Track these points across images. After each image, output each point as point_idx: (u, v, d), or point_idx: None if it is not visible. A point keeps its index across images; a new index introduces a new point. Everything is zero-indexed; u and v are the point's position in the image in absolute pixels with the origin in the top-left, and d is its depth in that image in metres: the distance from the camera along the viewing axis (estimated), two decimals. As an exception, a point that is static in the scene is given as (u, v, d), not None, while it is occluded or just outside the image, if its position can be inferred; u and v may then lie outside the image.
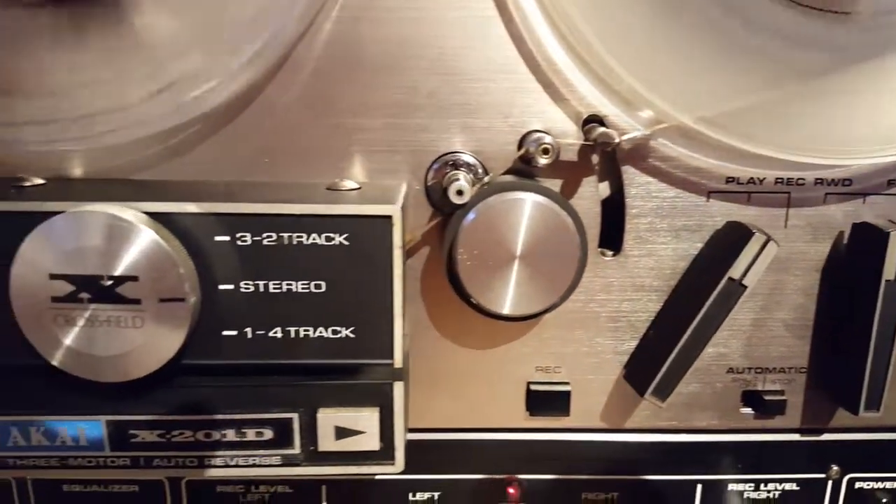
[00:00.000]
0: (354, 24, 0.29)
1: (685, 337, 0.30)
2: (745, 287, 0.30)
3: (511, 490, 0.35)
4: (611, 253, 0.32)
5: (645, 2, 0.28)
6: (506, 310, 0.28)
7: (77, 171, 0.31)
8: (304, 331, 0.27)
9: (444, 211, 0.31)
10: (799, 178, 0.32)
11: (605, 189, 0.32)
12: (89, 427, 0.28)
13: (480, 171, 0.31)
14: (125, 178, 0.30)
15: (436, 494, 0.35)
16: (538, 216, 0.28)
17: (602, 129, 0.29)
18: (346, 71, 0.30)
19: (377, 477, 0.35)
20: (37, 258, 0.24)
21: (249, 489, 0.35)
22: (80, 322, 0.25)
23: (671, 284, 0.33)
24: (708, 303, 0.30)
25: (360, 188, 0.29)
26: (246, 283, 0.27)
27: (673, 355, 0.31)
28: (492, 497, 0.35)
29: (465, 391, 0.34)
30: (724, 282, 0.30)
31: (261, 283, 0.27)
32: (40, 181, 0.29)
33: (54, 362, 0.25)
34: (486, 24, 0.29)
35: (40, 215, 0.25)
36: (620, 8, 0.28)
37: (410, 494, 0.35)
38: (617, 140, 0.28)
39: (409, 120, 0.30)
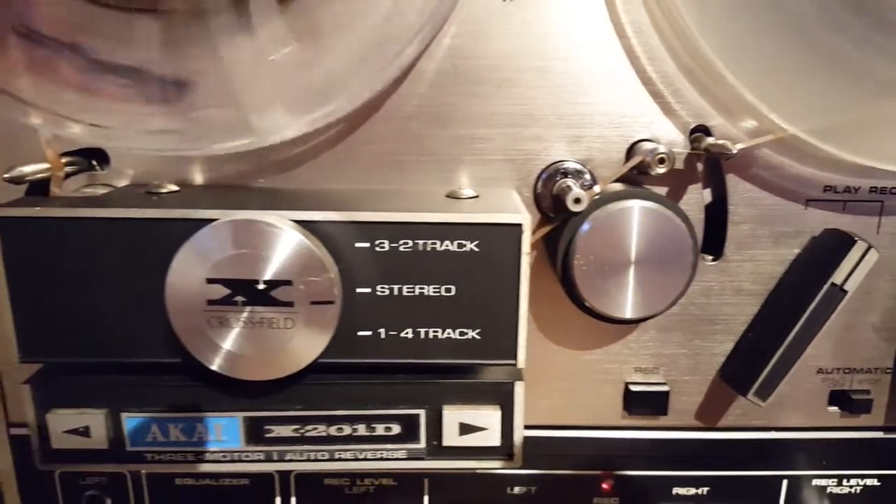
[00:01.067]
0: (472, 39, 0.31)
1: (788, 339, 0.32)
2: (846, 292, 0.31)
3: (605, 485, 0.37)
4: (711, 258, 0.33)
5: (760, 22, 0.29)
6: (623, 314, 0.30)
7: (198, 178, 0.32)
8: (434, 332, 0.28)
9: (553, 217, 0.32)
10: (892, 187, 0.33)
11: (707, 196, 0.33)
12: (227, 423, 0.29)
13: (589, 178, 0.32)
14: (246, 184, 0.32)
15: (533, 489, 0.36)
16: (653, 223, 0.29)
17: (717, 140, 0.30)
18: (463, 83, 0.31)
19: (477, 471, 0.36)
20: (194, 263, 0.26)
21: (354, 482, 0.36)
22: (235, 324, 0.26)
23: (768, 289, 0.34)
24: (811, 307, 0.31)
25: (478, 196, 0.30)
26: (382, 287, 0.28)
27: (776, 357, 0.32)
28: (586, 491, 0.37)
29: (565, 390, 0.35)
30: (826, 287, 0.31)
31: (395, 286, 0.28)
32: (174, 187, 0.30)
33: (205, 361, 0.27)
34: (600, 39, 0.31)
35: (193, 222, 0.26)
36: (737, 26, 0.29)
37: (509, 488, 0.36)
38: (734, 151, 0.29)
39: (521, 130, 0.32)
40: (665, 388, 0.34)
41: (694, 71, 0.31)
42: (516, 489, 0.36)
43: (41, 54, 0.30)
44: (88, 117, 0.30)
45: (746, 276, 0.34)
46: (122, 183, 0.32)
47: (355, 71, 0.29)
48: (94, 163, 0.31)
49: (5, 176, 0.27)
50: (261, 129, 0.29)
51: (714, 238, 0.33)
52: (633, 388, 0.34)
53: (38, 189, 0.30)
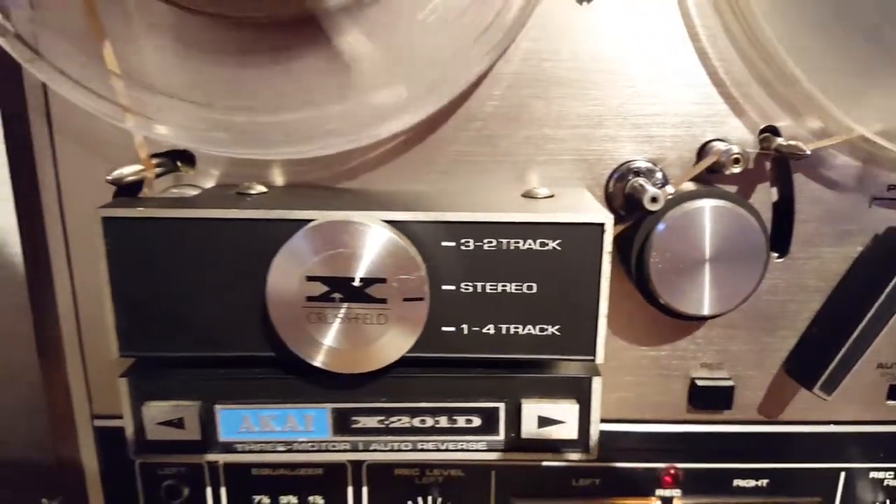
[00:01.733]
0: (548, 42, 0.31)
1: (854, 335, 0.32)
2: (914, 290, 0.32)
3: (667, 477, 0.37)
4: (777, 255, 0.34)
5: (830, 24, 0.30)
6: (700, 311, 0.30)
7: (279, 180, 0.33)
8: (515, 328, 0.29)
9: (624, 216, 0.33)
10: (956, 186, 0.34)
11: (774, 194, 0.34)
12: (316, 414, 0.30)
13: (660, 177, 0.33)
14: (328, 185, 0.33)
15: (597, 480, 0.37)
16: (728, 221, 0.30)
17: (789, 141, 0.31)
18: (538, 86, 0.32)
19: (543, 463, 0.37)
20: (294, 261, 0.27)
21: (424, 472, 0.37)
22: (332, 320, 0.27)
23: (832, 285, 0.34)
24: (877, 303, 0.32)
25: (553, 195, 0.31)
26: (466, 284, 0.29)
27: (842, 352, 0.33)
28: (648, 483, 0.38)
29: (632, 385, 0.36)
30: (893, 284, 0.32)
31: (479, 283, 0.29)
32: (263, 188, 0.31)
33: (302, 355, 0.28)
34: (672, 42, 0.31)
35: (290, 223, 0.27)
36: (809, 28, 0.30)
37: (574, 480, 0.37)
38: (808, 152, 0.30)
39: (593, 130, 0.32)
40: (730, 384, 0.35)
41: (764, 73, 0.31)
42: (581, 481, 0.37)
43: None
44: (174, 118, 0.31)
45: (811, 273, 0.34)
46: (207, 183, 0.33)
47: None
48: (180, 164, 0.32)
49: (108, 178, 0.28)
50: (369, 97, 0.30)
51: (781, 236, 0.34)
52: (699, 382, 0.35)
53: (127, 190, 0.31)
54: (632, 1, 0.31)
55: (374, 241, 0.27)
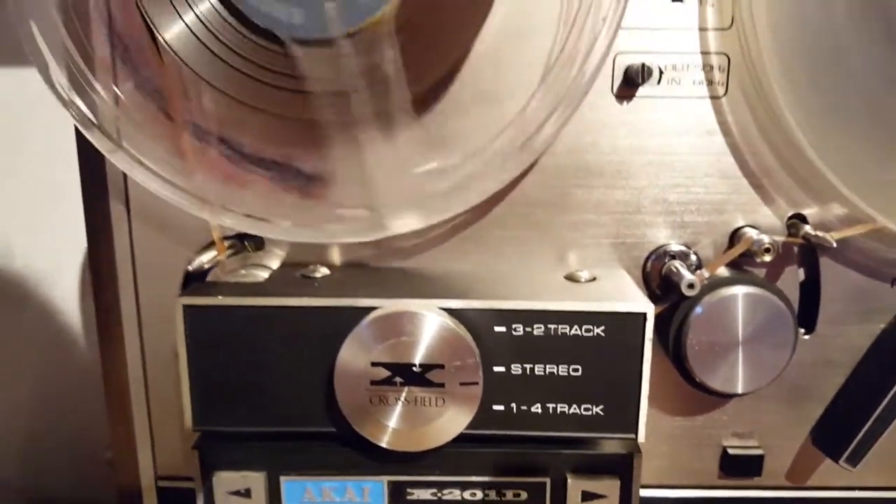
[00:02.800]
0: (590, 135, 0.34)
1: (879, 409, 0.34)
2: (934, 367, 0.34)
3: (699, 539, 0.39)
4: (804, 331, 0.36)
5: (856, 119, 0.32)
6: (734, 389, 0.32)
7: (337, 258, 0.36)
8: (561, 407, 0.31)
9: (660, 295, 0.35)
10: (973, 268, 0.36)
11: (801, 275, 0.36)
12: (373, 486, 0.32)
13: (695, 260, 0.35)
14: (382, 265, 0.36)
15: (632, 542, 0.39)
16: (760, 306, 0.32)
17: (816, 232, 0.33)
18: (581, 176, 0.34)
19: (581, 526, 0.39)
20: (360, 348, 0.29)
21: (467, 534, 0.39)
22: (393, 402, 0.29)
23: (857, 359, 0.36)
24: (901, 380, 0.34)
25: (595, 279, 0.33)
26: (515, 366, 0.31)
27: (867, 426, 0.34)
28: (681, 545, 0.39)
29: (666, 453, 0.38)
30: (915, 363, 0.34)
31: (528, 365, 0.31)
32: (326, 270, 0.34)
33: (365, 434, 0.30)
34: (706, 135, 0.34)
35: (354, 310, 0.30)
36: (835, 123, 0.32)
37: (609, 542, 0.39)
38: (834, 244, 0.32)
39: (631, 216, 0.35)
40: (760, 452, 0.37)
41: (792, 163, 0.34)
42: (617, 542, 0.39)
43: (199, 146, 0.34)
44: (241, 207, 0.34)
45: (837, 348, 0.36)
46: (273, 262, 0.35)
47: (484, 175, 0.32)
48: (248, 245, 0.35)
49: (190, 269, 0.31)
50: (392, 228, 0.33)
51: (808, 314, 0.36)
52: (731, 451, 0.37)
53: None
54: (668, 99, 0.33)
55: (432, 329, 0.29)
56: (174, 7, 0.31)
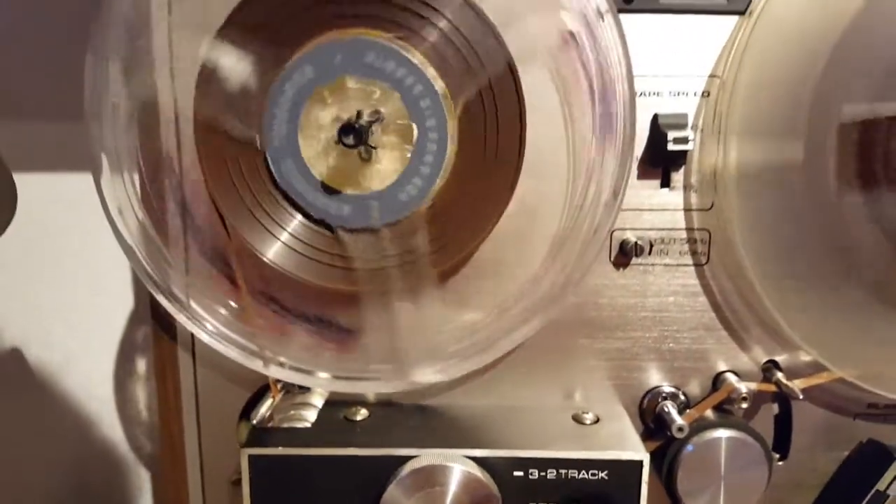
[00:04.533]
0: (592, 297, 0.40)
1: (842, 532, 0.40)
2: (889, 496, 0.39)
3: None
4: (778, 457, 0.42)
5: (817, 292, 0.38)
6: (717, 519, 0.38)
7: (371, 394, 0.41)
8: (568, 538, 0.37)
9: (654, 431, 0.40)
10: (925, 402, 0.42)
11: (776, 409, 0.41)
12: None
13: (683, 399, 0.40)
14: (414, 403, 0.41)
15: None
16: (740, 447, 0.38)
17: (786, 381, 0.38)
18: (586, 329, 0.40)
19: None
20: (399, 495, 0.34)
21: None
22: (428, 541, 0.35)
23: (824, 482, 0.42)
24: (865, 501, 0.39)
25: (598, 420, 0.39)
26: (531, 504, 0.36)
27: (832, 546, 0.40)
28: None
29: (661, 562, 0.43)
30: (872, 493, 0.39)
31: None
32: (365, 412, 0.39)
33: (405, 568, 0.35)
34: (691, 297, 0.39)
35: (395, 458, 0.35)
36: (798, 292, 0.38)
37: None
38: (800, 396, 0.37)
39: (629, 362, 0.40)
40: (742, 563, 0.42)
41: (764, 320, 0.39)
42: None
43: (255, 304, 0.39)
44: (287, 356, 0.39)
45: (807, 472, 0.42)
46: (317, 399, 0.40)
47: (498, 336, 0.38)
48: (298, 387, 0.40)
49: (255, 422, 0.36)
50: (416, 380, 0.38)
51: (781, 443, 0.41)
52: (717, 562, 0.42)
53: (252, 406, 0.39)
54: (658, 266, 0.39)
55: (460, 478, 0.35)
56: (241, 199, 0.37)
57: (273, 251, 0.37)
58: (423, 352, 0.38)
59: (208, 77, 0.35)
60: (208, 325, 0.38)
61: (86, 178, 0.63)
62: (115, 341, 0.69)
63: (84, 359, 0.68)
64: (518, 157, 0.35)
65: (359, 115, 0.34)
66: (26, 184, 0.62)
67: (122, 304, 0.67)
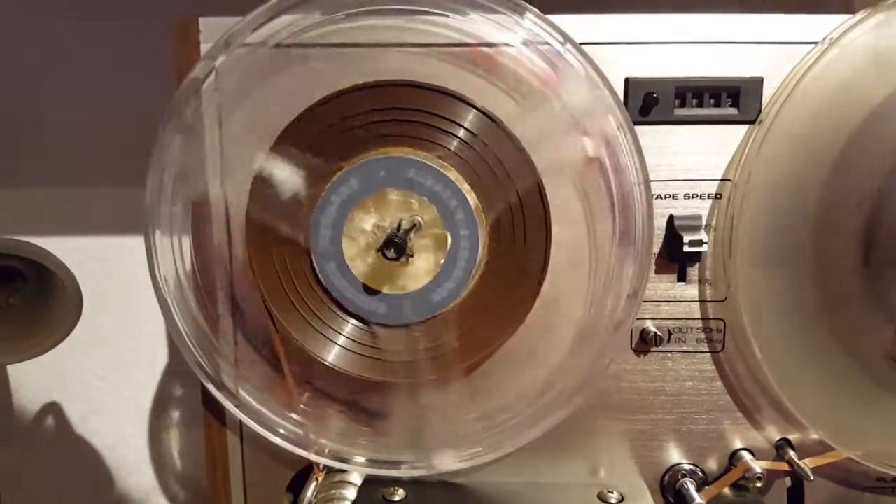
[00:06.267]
0: (617, 379, 0.42)
1: None
2: (899, 567, 0.42)
3: None
4: (793, 529, 0.44)
5: (825, 379, 0.40)
6: None
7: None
8: None
9: (673, 502, 0.43)
10: (930, 476, 0.44)
11: (789, 482, 0.44)
12: None
13: (701, 475, 0.43)
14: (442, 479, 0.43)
15: None
16: (755, 525, 0.40)
17: (798, 461, 0.41)
18: (608, 412, 0.43)
19: None
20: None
21: None
22: None
23: (836, 551, 0.44)
24: (872, 578, 0.42)
25: (623, 499, 0.41)
26: (561, 581, 0.39)
27: None
28: None
29: None
30: (884, 562, 0.42)
31: (571, 579, 0.39)
32: (402, 493, 0.41)
33: None
34: (709, 381, 0.42)
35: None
36: (807, 380, 0.40)
37: None
38: (811, 478, 0.40)
39: (651, 442, 0.43)
40: None
41: (778, 404, 0.42)
42: None
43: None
44: (326, 437, 0.42)
45: (820, 543, 0.44)
46: (356, 478, 0.43)
47: (519, 427, 0.40)
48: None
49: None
50: (437, 467, 0.41)
51: (796, 515, 0.44)
52: None
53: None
54: (676, 353, 0.42)
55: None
56: (287, 294, 0.40)
57: (314, 343, 0.40)
58: (447, 439, 0.41)
59: (261, 184, 0.39)
60: (256, 412, 0.41)
61: (120, 238, 0.67)
62: (151, 394, 0.72)
63: (119, 410, 0.72)
64: (544, 263, 0.38)
65: (399, 226, 0.37)
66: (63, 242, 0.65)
67: (158, 357, 0.70)
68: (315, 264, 0.39)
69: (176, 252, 0.40)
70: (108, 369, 0.70)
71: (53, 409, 0.71)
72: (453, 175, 0.37)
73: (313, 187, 0.38)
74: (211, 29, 0.39)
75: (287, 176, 0.38)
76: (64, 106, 0.62)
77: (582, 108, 0.37)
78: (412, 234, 0.37)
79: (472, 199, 0.37)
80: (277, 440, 0.41)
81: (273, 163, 0.38)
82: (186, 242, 0.40)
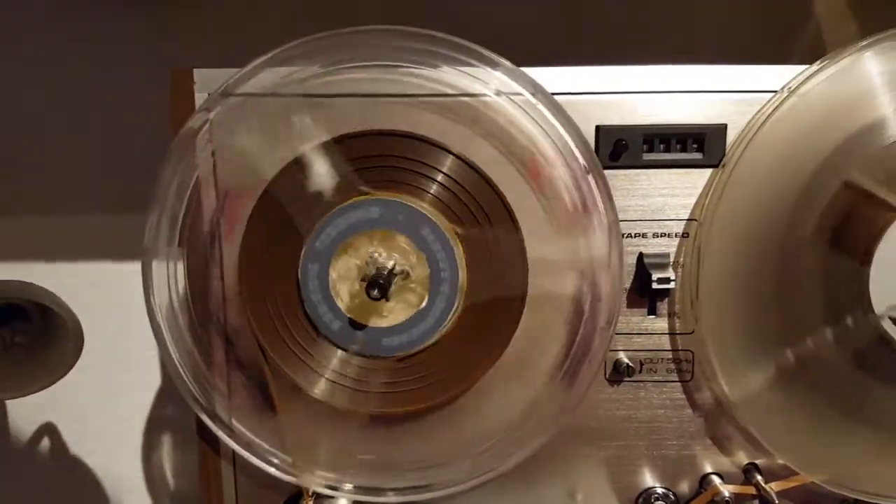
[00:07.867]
0: (592, 408, 0.44)
1: None
2: (861, 584, 0.44)
3: None
4: (760, 549, 0.46)
5: (789, 406, 0.42)
6: None
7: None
8: None
9: (651, 528, 0.45)
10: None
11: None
12: None
13: (673, 498, 0.45)
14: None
15: None
16: (724, 548, 0.43)
17: (765, 486, 0.43)
18: (581, 441, 0.45)
19: None
20: None
21: None
22: None
23: (804, 569, 0.46)
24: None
25: (603, 524, 0.43)
26: None
27: None
28: None
29: None
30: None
31: None
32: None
33: None
34: (680, 409, 0.44)
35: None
36: (772, 409, 0.43)
37: None
38: (776, 501, 0.42)
39: (625, 467, 0.45)
40: None
41: (745, 432, 0.44)
42: None
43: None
44: (317, 466, 0.44)
45: (788, 559, 0.46)
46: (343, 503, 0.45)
47: (502, 456, 0.43)
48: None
49: (293, 534, 0.41)
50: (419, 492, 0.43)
51: (766, 536, 0.46)
52: None
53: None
54: (648, 382, 0.44)
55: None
56: (277, 330, 0.42)
57: (301, 376, 0.42)
58: (429, 468, 0.43)
59: (296, 168, 0.40)
60: (249, 443, 0.43)
61: (115, 264, 0.68)
62: (145, 415, 0.74)
63: (113, 433, 0.73)
64: (521, 301, 0.40)
65: (390, 271, 0.39)
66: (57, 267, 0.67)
67: (151, 381, 0.72)
68: (305, 304, 0.41)
69: (171, 280, 0.42)
70: (103, 391, 0.71)
71: (48, 429, 0.73)
72: (459, 253, 0.40)
73: (336, 197, 0.40)
74: (205, 78, 0.41)
75: (322, 173, 0.40)
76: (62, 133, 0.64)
77: (598, 261, 0.40)
78: (397, 279, 0.39)
79: (461, 276, 0.40)
80: (272, 470, 0.42)
81: (318, 155, 0.40)
82: (181, 273, 0.43)
